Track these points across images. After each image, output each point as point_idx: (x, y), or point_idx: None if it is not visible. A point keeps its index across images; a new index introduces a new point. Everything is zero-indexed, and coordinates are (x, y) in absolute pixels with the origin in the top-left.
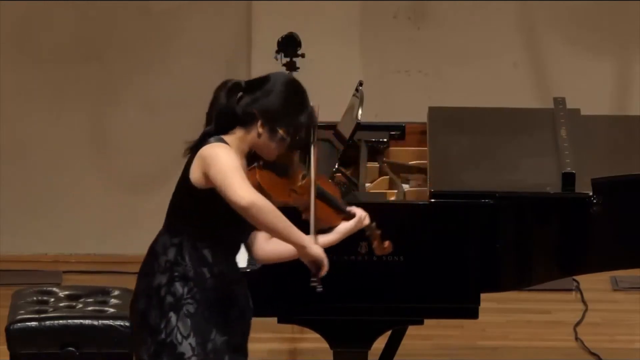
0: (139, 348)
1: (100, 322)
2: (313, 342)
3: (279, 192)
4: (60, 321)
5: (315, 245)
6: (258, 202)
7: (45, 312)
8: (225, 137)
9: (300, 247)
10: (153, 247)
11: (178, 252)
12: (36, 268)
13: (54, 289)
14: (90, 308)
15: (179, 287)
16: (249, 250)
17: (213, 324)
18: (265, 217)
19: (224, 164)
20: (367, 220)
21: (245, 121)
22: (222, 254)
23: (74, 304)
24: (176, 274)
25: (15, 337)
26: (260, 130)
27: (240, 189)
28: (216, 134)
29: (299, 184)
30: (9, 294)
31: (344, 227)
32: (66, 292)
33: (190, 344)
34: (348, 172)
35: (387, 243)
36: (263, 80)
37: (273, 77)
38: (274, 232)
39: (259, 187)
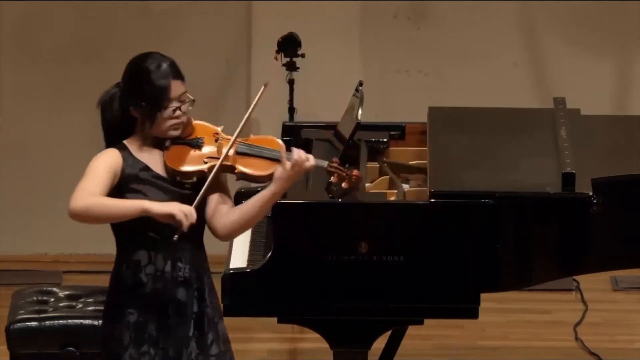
0: None
1: (100, 322)
2: (313, 342)
3: (192, 163)
4: (60, 321)
5: (157, 203)
6: (77, 207)
7: (45, 312)
8: (127, 140)
9: (144, 213)
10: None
11: (117, 263)
12: (36, 268)
13: (54, 289)
14: (90, 308)
15: (119, 298)
16: (213, 233)
17: (157, 332)
18: (89, 215)
19: (88, 169)
20: (309, 163)
21: (127, 117)
22: (162, 254)
23: (74, 304)
24: (117, 285)
25: (15, 337)
26: (134, 114)
27: (71, 199)
28: (112, 140)
29: (214, 149)
30: (9, 294)
31: (279, 173)
32: (66, 292)
33: (130, 354)
34: None
35: (355, 171)
36: (124, 70)
37: (129, 64)
38: (112, 218)
39: (167, 168)
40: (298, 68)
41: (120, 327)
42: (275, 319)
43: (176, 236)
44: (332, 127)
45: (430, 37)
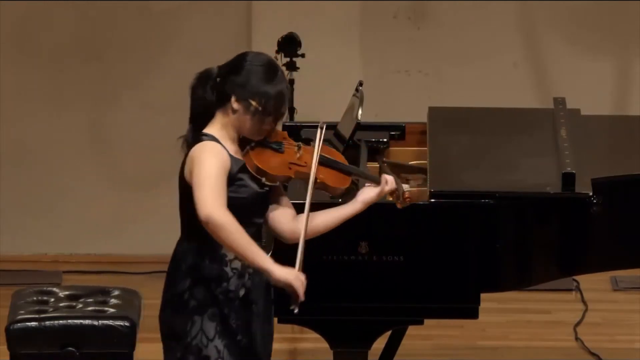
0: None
1: (100, 322)
2: (313, 342)
3: (279, 168)
4: (60, 321)
5: (281, 268)
6: (216, 219)
7: (45, 312)
8: (210, 129)
9: (265, 273)
10: (174, 255)
11: (197, 256)
12: (36, 268)
13: (54, 289)
14: (90, 308)
15: (202, 291)
16: (276, 232)
17: (240, 325)
18: (222, 234)
19: (204, 170)
20: (390, 186)
21: (220, 102)
22: None
23: (74, 304)
24: (198, 277)
25: (15, 337)
26: (235, 106)
27: (204, 201)
28: (198, 127)
29: (297, 156)
30: (9, 294)
31: (369, 197)
32: (66, 292)
33: (215, 346)
34: None
35: (407, 193)
36: (233, 60)
37: (241, 55)
38: (234, 252)
39: (257, 169)
40: (298, 68)
41: (203, 319)
42: (275, 319)
43: (296, 308)
44: (332, 127)
45: (430, 37)
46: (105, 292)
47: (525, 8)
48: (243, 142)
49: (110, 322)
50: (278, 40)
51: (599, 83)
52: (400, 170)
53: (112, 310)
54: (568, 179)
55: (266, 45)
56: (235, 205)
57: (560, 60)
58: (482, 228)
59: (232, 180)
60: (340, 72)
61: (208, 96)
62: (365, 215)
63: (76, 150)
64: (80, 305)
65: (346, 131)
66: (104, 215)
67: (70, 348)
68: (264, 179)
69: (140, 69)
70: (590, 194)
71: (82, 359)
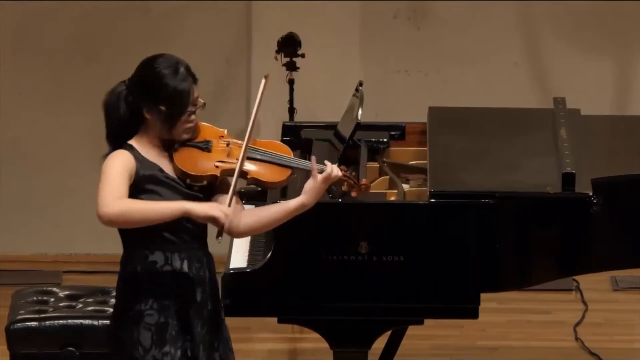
0: None
1: (100, 322)
2: (313, 342)
3: (203, 167)
4: (60, 321)
5: (200, 204)
6: (110, 213)
7: (45, 312)
8: (132, 140)
9: (186, 214)
10: (120, 267)
11: (130, 265)
12: (36, 268)
13: (54, 289)
14: (90, 308)
15: (137, 300)
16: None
17: (176, 331)
18: (124, 221)
19: (103, 175)
20: (335, 173)
21: (136, 116)
22: (178, 253)
23: (74, 304)
24: (132, 286)
25: (15, 337)
26: (148, 116)
27: (98, 205)
28: (117, 141)
29: (226, 153)
30: (9, 294)
31: (310, 185)
32: (66, 292)
33: (153, 356)
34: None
35: (364, 180)
36: (137, 71)
37: (142, 64)
38: (151, 221)
39: (179, 171)
40: (298, 68)
41: (139, 328)
42: (275, 319)
43: (220, 237)
44: (332, 127)
45: (430, 37)
46: (105, 292)
47: (525, 8)
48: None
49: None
50: (278, 40)
51: (599, 83)
52: (400, 170)
53: (112, 310)
54: (568, 179)
55: (266, 45)
56: None
57: (560, 60)
58: (482, 228)
59: (145, 184)
60: (340, 72)
61: (122, 112)
62: (365, 215)
63: (76, 150)
64: (80, 305)
65: (346, 131)
66: None
67: (70, 348)
68: (188, 180)
69: None
70: (590, 194)
71: (82, 359)
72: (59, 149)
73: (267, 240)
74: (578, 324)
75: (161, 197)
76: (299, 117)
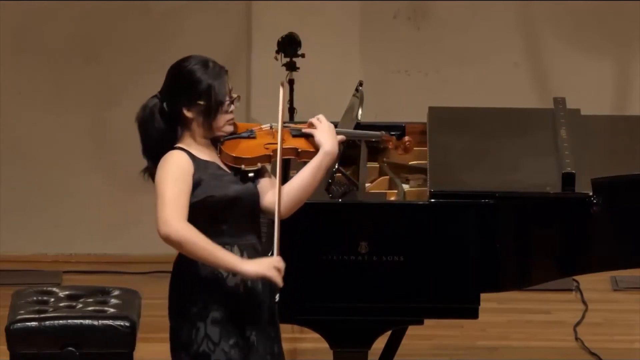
0: None
1: (100, 322)
2: (313, 342)
3: (254, 150)
4: (60, 321)
5: (251, 263)
6: (174, 237)
7: (45, 312)
8: (180, 144)
9: (238, 274)
10: (175, 262)
11: (191, 260)
12: (36, 268)
13: (54, 289)
14: (90, 308)
15: (200, 295)
16: (268, 212)
17: (244, 323)
18: (183, 250)
19: (159, 187)
20: (318, 125)
21: (176, 121)
22: (237, 246)
23: (74, 304)
24: (195, 283)
25: (15, 337)
26: (189, 115)
27: (160, 221)
28: (154, 156)
29: (272, 136)
30: (9, 294)
31: (318, 135)
32: (66, 292)
33: (223, 349)
34: (348, 172)
35: (406, 137)
36: (167, 79)
37: (171, 70)
38: (202, 260)
39: (233, 159)
40: (298, 68)
41: (206, 324)
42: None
43: (277, 296)
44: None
45: (430, 37)
46: (105, 292)
47: (525, 8)
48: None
49: (110, 322)
50: (278, 40)
51: (599, 83)
52: (400, 170)
53: (112, 310)
54: (568, 179)
55: (266, 45)
56: (215, 206)
57: (560, 60)
58: (482, 228)
59: (204, 183)
60: (340, 72)
61: (158, 124)
62: (365, 215)
63: (76, 150)
64: (80, 305)
65: None
66: (104, 215)
67: (70, 348)
68: (242, 166)
69: (140, 69)
70: (590, 194)
71: (82, 359)
72: (59, 149)
73: (267, 240)
74: (578, 324)
75: (220, 189)
76: (299, 117)
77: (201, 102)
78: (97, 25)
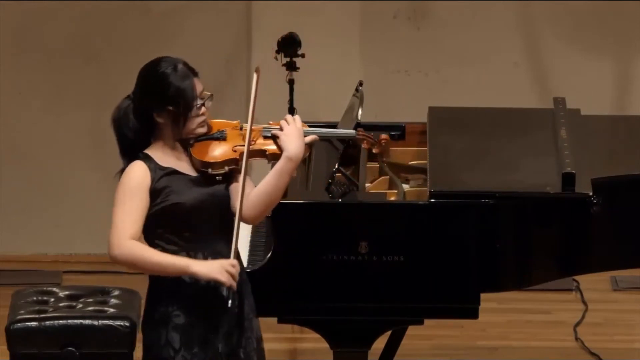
0: None
1: (100, 322)
2: (313, 342)
3: (222, 154)
4: (60, 321)
5: (202, 265)
6: (119, 258)
7: (45, 312)
8: (149, 149)
9: (190, 275)
10: None
11: None
12: (36, 268)
13: (54, 289)
14: (90, 308)
15: (163, 302)
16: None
17: (205, 331)
18: (133, 267)
19: (116, 203)
20: (291, 116)
21: (148, 124)
22: (201, 251)
23: (74, 304)
24: (159, 289)
25: (15, 337)
26: (159, 120)
27: (108, 244)
28: (131, 155)
29: (241, 137)
30: (9, 294)
31: (282, 138)
32: (66, 292)
33: (183, 356)
34: (348, 172)
35: (382, 135)
36: (138, 81)
37: (141, 72)
38: (156, 273)
39: (200, 163)
40: (298, 68)
41: (168, 330)
42: (275, 319)
43: (230, 301)
44: (332, 127)
45: (430, 37)
46: (105, 292)
47: (525, 8)
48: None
49: (110, 322)
50: (278, 40)
51: (599, 83)
52: (400, 170)
53: (112, 310)
54: (568, 179)
55: (266, 45)
56: (176, 212)
57: (560, 60)
58: (482, 228)
59: (163, 189)
60: (340, 72)
61: (132, 124)
62: (365, 215)
63: (76, 150)
64: (80, 305)
65: None
66: (104, 215)
67: (70, 348)
68: (209, 170)
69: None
70: (590, 194)
71: (82, 359)
72: (59, 149)
73: (267, 240)
74: (578, 324)
75: (179, 196)
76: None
77: (170, 108)
78: (97, 25)
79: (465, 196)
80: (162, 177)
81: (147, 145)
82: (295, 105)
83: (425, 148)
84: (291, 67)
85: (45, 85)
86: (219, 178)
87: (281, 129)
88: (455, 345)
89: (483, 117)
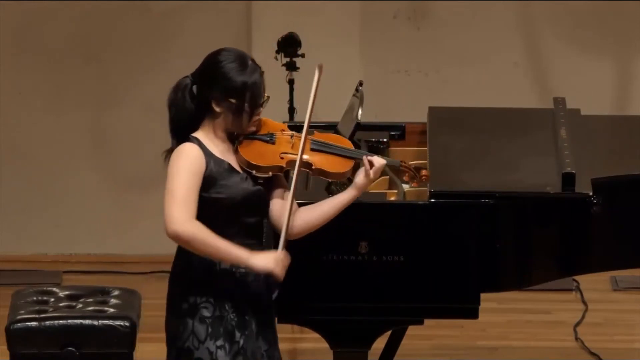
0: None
1: (100, 322)
2: (313, 342)
3: (269, 159)
4: (60, 321)
5: (259, 257)
6: (182, 235)
7: (45, 312)
8: (197, 133)
9: (247, 268)
10: (174, 260)
11: (187, 259)
12: (36, 268)
13: (54, 289)
14: (90, 308)
15: (192, 293)
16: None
17: (234, 326)
18: (191, 247)
19: (170, 182)
20: (380, 163)
21: (203, 109)
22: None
23: (74, 304)
24: (189, 279)
25: (15, 337)
26: (217, 109)
27: (169, 219)
28: (181, 136)
29: (290, 145)
30: (9, 294)
31: (361, 180)
32: (66, 292)
33: (207, 348)
34: None
35: (424, 171)
36: (204, 64)
37: (210, 57)
38: (212, 257)
39: (246, 163)
40: (298, 68)
41: (194, 321)
42: (275, 319)
43: (275, 293)
44: (332, 127)
45: (430, 37)
46: (105, 292)
47: (525, 8)
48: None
49: (110, 322)
50: (278, 40)
51: (599, 83)
52: None
53: (112, 310)
54: (568, 179)
55: (266, 45)
56: (221, 206)
57: (560, 60)
58: (482, 228)
59: (214, 181)
60: (340, 72)
61: (188, 105)
62: (365, 215)
63: (76, 151)
64: (80, 305)
65: (346, 131)
66: (104, 215)
67: (70, 348)
68: (254, 172)
69: (140, 69)
70: (590, 194)
71: (82, 359)
72: (59, 149)
73: (267, 240)
74: (578, 324)
75: (230, 190)
76: (299, 117)
77: (233, 100)
78: (97, 25)
79: (465, 196)
80: (215, 167)
81: (196, 128)
82: (295, 105)
83: (425, 148)
84: (291, 67)
85: (45, 85)
86: (261, 181)
87: (371, 165)
88: (455, 345)
89: (483, 117)
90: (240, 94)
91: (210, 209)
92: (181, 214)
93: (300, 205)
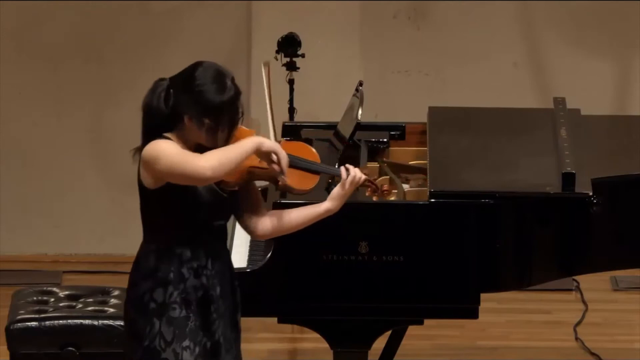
0: (130, 357)
1: (100, 322)
2: (313, 342)
3: (237, 174)
4: (60, 321)
5: (260, 137)
6: (213, 163)
7: (45, 312)
8: (170, 135)
9: (258, 147)
10: (137, 256)
11: (157, 258)
12: (36, 268)
13: (54, 289)
14: (90, 308)
15: (161, 293)
16: (247, 230)
17: (199, 326)
18: (226, 167)
19: (168, 151)
20: (359, 176)
21: (175, 119)
22: (201, 246)
23: (74, 304)
24: (157, 279)
25: (15, 337)
26: (188, 124)
27: (194, 164)
28: (153, 137)
29: (257, 159)
30: (9, 294)
31: (337, 193)
32: (66, 292)
33: (174, 350)
34: None
35: (385, 186)
36: (183, 75)
37: (190, 70)
38: (238, 163)
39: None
40: (298, 68)
41: (162, 322)
42: (275, 319)
43: (281, 179)
44: (332, 127)
45: (430, 37)
46: (105, 292)
47: (525, 8)
48: (201, 149)
49: (110, 322)
50: (278, 40)
51: (599, 83)
52: (400, 170)
53: (112, 310)
54: (568, 179)
55: (266, 45)
56: (192, 207)
57: (560, 60)
58: (482, 228)
59: (185, 186)
60: (340, 72)
61: (162, 109)
62: (365, 215)
63: (76, 150)
64: (80, 305)
65: (346, 131)
66: (104, 215)
67: (70, 348)
68: (221, 185)
69: (140, 69)
70: (590, 194)
71: (82, 359)
72: (59, 149)
73: (266, 240)
74: (578, 324)
75: (196, 197)
76: (299, 117)
77: (207, 120)
78: (97, 25)
79: (465, 196)
80: None
81: (166, 131)
82: (295, 105)
83: (425, 148)
84: (291, 67)
85: (45, 86)
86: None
87: (347, 172)
88: (455, 345)
89: (483, 117)
90: (217, 115)
91: (180, 202)
92: (195, 159)
93: (281, 207)
